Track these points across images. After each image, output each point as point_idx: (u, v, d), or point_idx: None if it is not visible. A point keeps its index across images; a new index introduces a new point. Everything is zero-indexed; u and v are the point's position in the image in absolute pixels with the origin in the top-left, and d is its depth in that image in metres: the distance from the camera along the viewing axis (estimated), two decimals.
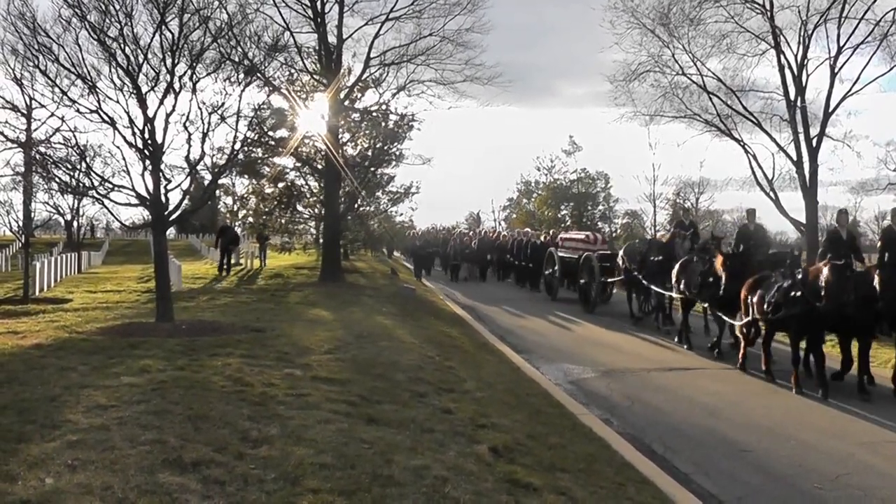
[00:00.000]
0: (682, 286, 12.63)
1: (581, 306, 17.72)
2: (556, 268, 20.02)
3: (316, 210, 24.13)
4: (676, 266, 12.89)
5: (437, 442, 5.53)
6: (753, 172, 22.43)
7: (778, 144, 21.81)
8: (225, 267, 23.89)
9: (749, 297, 10.37)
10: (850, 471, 6.37)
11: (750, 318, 10.38)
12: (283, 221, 25.19)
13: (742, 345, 10.78)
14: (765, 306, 9.90)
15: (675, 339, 13.00)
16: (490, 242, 27.93)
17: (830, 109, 20.96)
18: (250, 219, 28.05)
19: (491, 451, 5.51)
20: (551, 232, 28.03)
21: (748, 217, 13.80)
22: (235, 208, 45.90)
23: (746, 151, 22.51)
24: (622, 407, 8.51)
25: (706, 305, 12.80)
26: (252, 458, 4.74)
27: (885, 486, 6.04)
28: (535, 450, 5.86)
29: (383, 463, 4.84)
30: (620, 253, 16.37)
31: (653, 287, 14.44)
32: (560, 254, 20.10)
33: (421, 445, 5.35)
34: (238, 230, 30.43)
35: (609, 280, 17.22)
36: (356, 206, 23.82)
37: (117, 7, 10.15)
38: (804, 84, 21.12)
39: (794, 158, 21.26)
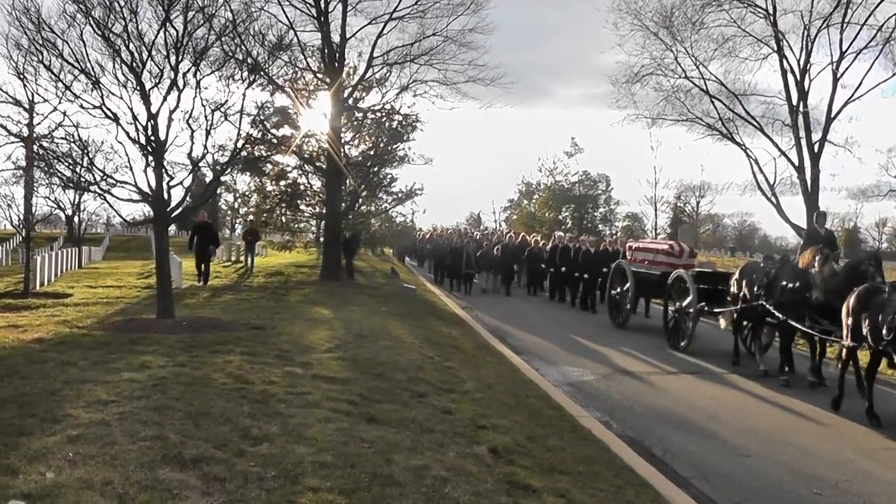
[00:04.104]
0: (864, 330, 8.38)
1: (667, 340, 13.37)
2: (630, 287, 15.52)
3: (317, 209, 24.15)
4: (852, 299, 8.68)
5: (437, 442, 5.53)
6: (755, 177, 22.48)
7: (779, 149, 21.85)
8: (202, 274, 18.67)
9: None
10: (850, 477, 6.37)
11: None
12: (284, 219, 25.24)
13: None
14: None
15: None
16: (517, 248, 22.87)
17: (832, 115, 20.99)
18: (251, 216, 28.11)
19: (490, 451, 5.52)
20: (609, 239, 24.64)
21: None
22: (237, 205, 46.05)
23: (748, 156, 22.56)
24: (622, 410, 8.51)
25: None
26: (252, 455, 4.74)
27: (884, 492, 6.04)
28: (535, 451, 5.86)
29: (383, 462, 4.84)
30: (736, 275, 12.16)
31: (794, 324, 10.22)
32: (633, 268, 15.75)
33: (421, 445, 5.36)
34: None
35: (713, 310, 12.67)
36: (357, 205, 23.82)
37: (122, 3, 10.17)
38: (806, 89, 21.15)
39: (796, 163, 21.27)
